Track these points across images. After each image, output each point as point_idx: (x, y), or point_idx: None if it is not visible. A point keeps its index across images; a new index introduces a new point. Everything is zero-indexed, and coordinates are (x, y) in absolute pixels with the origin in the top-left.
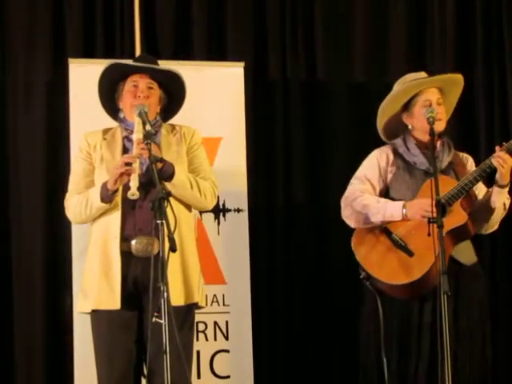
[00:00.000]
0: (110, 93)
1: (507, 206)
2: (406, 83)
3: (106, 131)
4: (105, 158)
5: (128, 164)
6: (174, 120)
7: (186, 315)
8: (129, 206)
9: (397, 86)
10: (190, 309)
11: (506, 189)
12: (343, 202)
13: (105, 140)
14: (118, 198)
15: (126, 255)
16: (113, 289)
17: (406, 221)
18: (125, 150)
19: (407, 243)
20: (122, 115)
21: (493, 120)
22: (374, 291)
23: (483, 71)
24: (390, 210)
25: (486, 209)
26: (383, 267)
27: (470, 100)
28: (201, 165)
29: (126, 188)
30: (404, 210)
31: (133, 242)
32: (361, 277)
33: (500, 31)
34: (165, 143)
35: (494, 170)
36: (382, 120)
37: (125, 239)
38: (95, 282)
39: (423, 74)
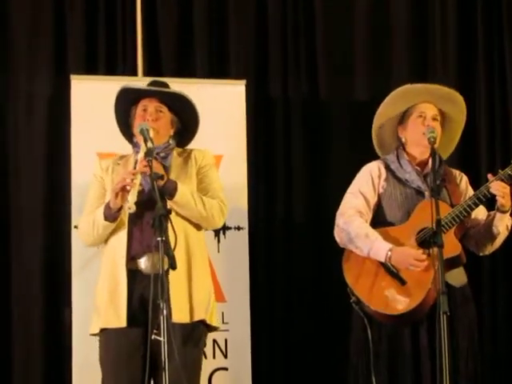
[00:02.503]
0: (124, 118)
1: (509, 227)
2: (397, 90)
3: (121, 157)
4: (115, 182)
5: (128, 179)
6: None
7: (190, 332)
8: (135, 225)
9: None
10: (195, 326)
11: (508, 213)
12: (337, 220)
13: (118, 165)
14: (125, 218)
15: (133, 273)
16: (119, 307)
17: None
18: None
19: (399, 271)
20: (135, 140)
21: (494, 136)
22: (363, 316)
23: (485, 90)
24: (375, 249)
25: (490, 233)
26: (375, 295)
27: (472, 118)
28: (210, 184)
29: None
30: (389, 253)
31: (141, 260)
32: (351, 301)
33: (501, 45)
34: (174, 165)
35: (489, 198)
36: (375, 132)
37: (131, 258)
38: (103, 302)
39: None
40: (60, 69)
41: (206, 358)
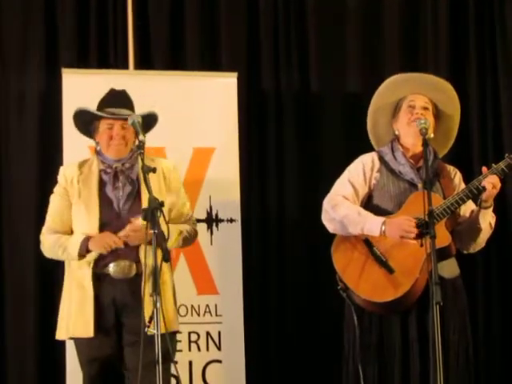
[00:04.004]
0: (85, 126)
1: (493, 225)
2: (388, 81)
3: (82, 164)
4: (82, 193)
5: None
6: (170, 132)
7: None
8: (105, 228)
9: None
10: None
11: (491, 209)
12: (325, 205)
13: (81, 174)
14: (96, 222)
15: (101, 278)
16: (86, 315)
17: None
18: (101, 184)
19: (388, 259)
20: (98, 148)
21: (486, 131)
22: (350, 303)
23: (476, 82)
24: (368, 225)
25: (472, 229)
26: (363, 282)
27: (463, 113)
28: (181, 208)
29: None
30: (383, 227)
31: (111, 265)
32: (338, 287)
33: (492, 38)
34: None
35: (481, 191)
36: (369, 124)
37: (100, 262)
38: (70, 310)
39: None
40: (51, 63)
41: (199, 350)
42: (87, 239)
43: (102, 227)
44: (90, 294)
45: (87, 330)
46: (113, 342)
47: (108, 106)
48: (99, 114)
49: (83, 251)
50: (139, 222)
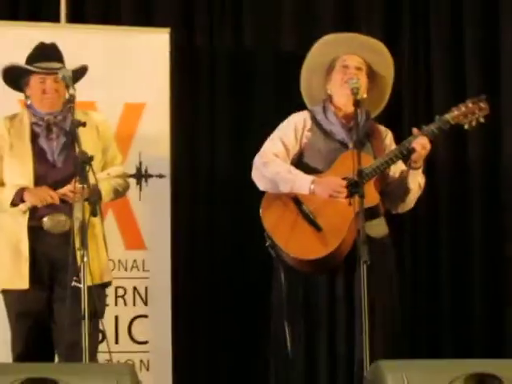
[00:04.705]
0: (15, 81)
1: (422, 185)
2: (321, 40)
3: (12, 118)
4: (14, 145)
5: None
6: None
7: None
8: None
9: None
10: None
11: (421, 169)
12: (255, 163)
13: (12, 128)
14: (30, 174)
15: (36, 231)
16: (21, 268)
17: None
18: (34, 136)
19: (316, 217)
20: (29, 101)
21: (417, 92)
22: (278, 260)
23: (409, 43)
24: (298, 183)
25: (401, 189)
26: (292, 240)
27: (395, 72)
28: (113, 160)
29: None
30: (312, 186)
31: (44, 219)
32: (266, 244)
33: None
34: (84, 136)
35: (410, 152)
36: (303, 84)
37: (34, 215)
38: (4, 261)
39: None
40: None
41: (126, 305)
42: (22, 189)
43: (37, 178)
44: (25, 246)
45: (22, 282)
46: (45, 295)
47: (39, 60)
48: (31, 68)
49: (17, 200)
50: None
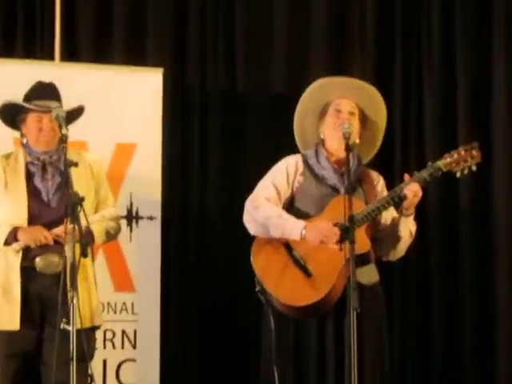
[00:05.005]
0: (12, 117)
1: (414, 233)
2: (315, 84)
3: (7, 156)
4: (9, 184)
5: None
6: (93, 126)
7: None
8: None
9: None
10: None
11: (412, 216)
12: (247, 206)
13: (8, 166)
14: (25, 213)
15: (28, 271)
16: (12, 309)
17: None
18: (29, 175)
19: (307, 262)
20: (24, 140)
21: (409, 138)
22: (267, 305)
23: (401, 89)
24: (289, 228)
25: (392, 237)
26: (281, 286)
27: (387, 117)
28: (106, 202)
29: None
30: (303, 232)
31: (37, 260)
32: (256, 289)
33: (418, 45)
34: (73, 172)
35: (402, 199)
36: (296, 127)
37: (27, 255)
38: None
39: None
40: None
41: (114, 348)
42: (16, 228)
43: (31, 218)
44: (17, 287)
45: (13, 323)
46: (35, 335)
47: (36, 98)
48: (28, 106)
49: (10, 239)
50: None
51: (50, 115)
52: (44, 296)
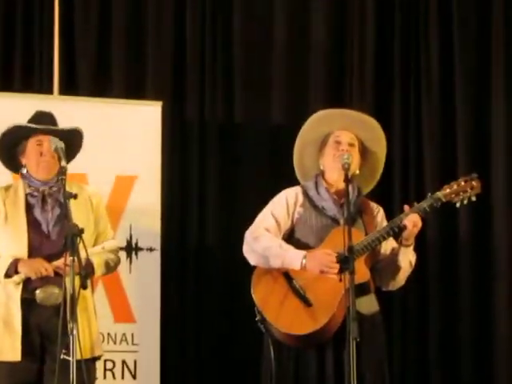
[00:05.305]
0: (11, 149)
1: (413, 263)
2: (315, 116)
3: (6, 188)
4: (9, 216)
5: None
6: (93, 158)
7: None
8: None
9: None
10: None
11: (412, 247)
12: (246, 237)
13: (8, 198)
14: (25, 245)
15: (29, 303)
16: (13, 340)
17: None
18: (29, 207)
19: (306, 292)
20: (24, 171)
21: (408, 169)
22: (267, 334)
23: (399, 118)
24: (289, 258)
25: (392, 267)
26: (282, 316)
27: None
28: (105, 235)
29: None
30: (303, 261)
31: (37, 291)
32: (256, 319)
33: (417, 75)
34: (72, 204)
35: (402, 230)
36: (295, 159)
37: (28, 287)
38: None
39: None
40: None
41: (114, 378)
42: (16, 260)
43: (31, 250)
44: (17, 318)
45: (14, 354)
46: (36, 367)
47: (36, 123)
48: (30, 125)
49: (11, 272)
50: None
51: (50, 138)
52: (44, 328)
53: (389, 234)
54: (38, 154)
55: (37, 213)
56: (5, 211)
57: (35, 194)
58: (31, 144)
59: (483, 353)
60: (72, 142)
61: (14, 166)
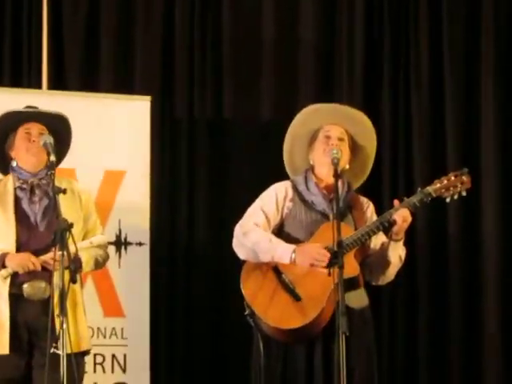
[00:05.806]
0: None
1: (403, 258)
2: (304, 111)
3: None
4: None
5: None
6: (81, 153)
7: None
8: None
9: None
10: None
11: (401, 242)
12: (236, 232)
13: None
14: (13, 239)
15: (16, 297)
16: (1, 335)
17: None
18: (17, 201)
19: (296, 287)
20: (14, 164)
21: (397, 163)
22: (256, 329)
23: (389, 114)
24: (279, 252)
25: (382, 262)
26: (271, 310)
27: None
28: (94, 231)
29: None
30: (293, 255)
31: (25, 286)
32: (245, 313)
33: (406, 70)
34: (61, 199)
35: (391, 224)
36: (285, 154)
37: (15, 281)
38: None
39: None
40: None
41: (104, 372)
42: (4, 255)
43: (19, 244)
44: (5, 313)
45: (2, 347)
46: (24, 362)
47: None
48: (17, 109)
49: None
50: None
51: (38, 127)
52: (32, 322)
53: (378, 229)
54: (26, 141)
55: (25, 205)
56: None
57: (24, 186)
58: (20, 133)
59: (472, 348)
60: (62, 136)
61: (4, 165)
